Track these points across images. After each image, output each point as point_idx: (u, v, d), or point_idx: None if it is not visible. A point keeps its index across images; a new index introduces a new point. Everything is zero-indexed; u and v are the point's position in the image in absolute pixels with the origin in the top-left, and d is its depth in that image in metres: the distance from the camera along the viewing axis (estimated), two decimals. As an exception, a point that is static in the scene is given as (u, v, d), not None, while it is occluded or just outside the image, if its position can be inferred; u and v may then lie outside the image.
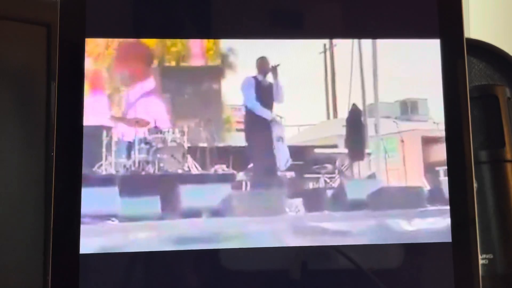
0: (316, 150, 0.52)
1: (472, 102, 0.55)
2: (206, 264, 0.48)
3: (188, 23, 0.52)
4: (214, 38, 0.51)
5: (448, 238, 0.51)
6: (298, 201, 0.51)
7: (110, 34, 0.50)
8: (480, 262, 0.58)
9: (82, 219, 0.48)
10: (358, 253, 0.50)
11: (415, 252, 0.51)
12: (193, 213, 0.49)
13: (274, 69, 0.52)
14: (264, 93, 0.52)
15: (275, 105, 0.52)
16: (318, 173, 0.51)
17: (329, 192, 0.51)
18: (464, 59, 0.52)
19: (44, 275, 0.55)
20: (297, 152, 0.52)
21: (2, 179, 0.55)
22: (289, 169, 0.51)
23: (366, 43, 0.53)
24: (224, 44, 0.52)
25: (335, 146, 0.53)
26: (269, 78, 0.52)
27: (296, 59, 0.52)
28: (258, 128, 0.52)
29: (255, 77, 0.52)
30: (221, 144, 0.51)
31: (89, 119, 0.49)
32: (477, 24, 1.33)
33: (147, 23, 0.52)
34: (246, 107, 0.51)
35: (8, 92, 0.56)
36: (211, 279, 0.49)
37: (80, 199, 0.48)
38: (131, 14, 0.52)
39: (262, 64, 0.52)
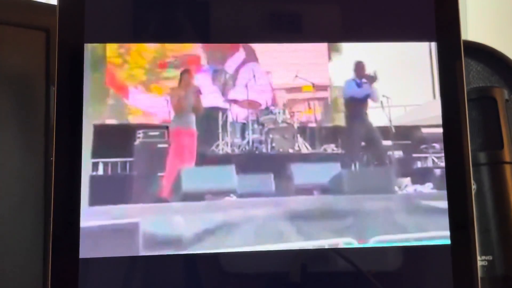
0: (424, 130, 0.52)
1: (470, 104, 0.55)
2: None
3: (194, 27, 0.52)
4: (214, 43, 0.52)
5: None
6: (407, 180, 0.51)
7: (109, 39, 0.50)
8: (479, 263, 0.58)
9: (204, 195, 0.49)
10: (358, 255, 0.50)
11: (414, 254, 0.51)
12: (304, 191, 0.50)
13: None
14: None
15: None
16: (426, 152, 0.52)
17: (437, 172, 0.52)
18: (461, 61, 0.53)
19: (44, 280, 0.55)
20: (404, 132, 0.52)
21: (2, 184, 0.55)
22: (397, 148, 0.52)
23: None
24: None
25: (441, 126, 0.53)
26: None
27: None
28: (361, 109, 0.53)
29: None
30: (329, 125, 0.52)
31: (206, 101, 0.51)
32: (475, 26, 1.34)
33: (146, 28, 0.52)
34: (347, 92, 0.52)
35: (7, 97, 0.56)
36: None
37: (79, 203, 0.48)
38: (130, 19, 0.52)
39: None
